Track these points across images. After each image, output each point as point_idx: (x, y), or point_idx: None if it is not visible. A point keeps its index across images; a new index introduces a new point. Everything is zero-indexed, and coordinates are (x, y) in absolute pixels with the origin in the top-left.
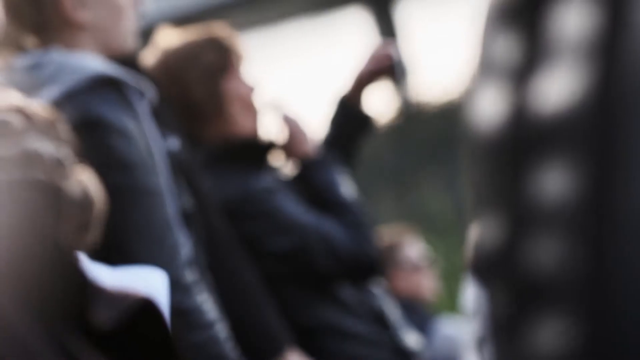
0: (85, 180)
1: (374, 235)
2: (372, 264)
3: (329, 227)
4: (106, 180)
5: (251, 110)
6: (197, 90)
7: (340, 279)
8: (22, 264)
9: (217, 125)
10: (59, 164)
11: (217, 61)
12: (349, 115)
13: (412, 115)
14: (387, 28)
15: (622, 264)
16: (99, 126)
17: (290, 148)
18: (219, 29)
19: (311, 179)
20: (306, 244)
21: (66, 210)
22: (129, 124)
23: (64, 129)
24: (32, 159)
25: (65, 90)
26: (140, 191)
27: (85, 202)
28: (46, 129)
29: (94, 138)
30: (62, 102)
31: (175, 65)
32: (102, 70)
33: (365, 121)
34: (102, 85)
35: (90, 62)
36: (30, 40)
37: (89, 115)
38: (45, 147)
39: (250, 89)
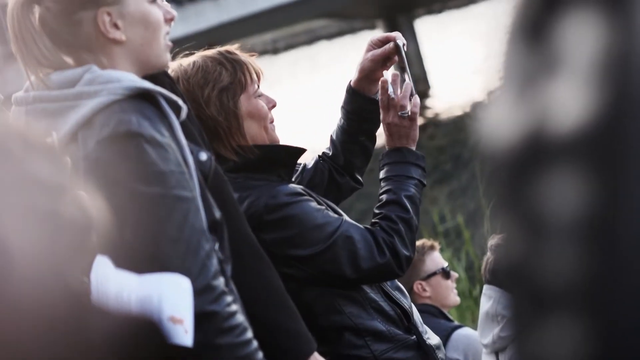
0: (84, 202)
1: (411, 239)
2: (394, 268)
3: (352, 231)
4: (141, 189)
5: (268, 127)
6: (212, 109)
7: (362, 281)
8: (23, 291)
9: (233, 141)
10: (58, 188)
11: (232, 80)
12: (356, 101)
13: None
14: (408, 45)
15: (628, 274)
16: (135, 137)
17: (395, 128)
18: (235, 48)
19: (390, 166)
20: (329, 248)
21: (65, 235)
22: (164, 135)
23: (63, 151)
24: (29, 185)
25: (103, 103)
26: (175, 200)
27: (84, 225)
28: (45, 153)
29: (130, 148)
30: (99, 115)
31: (190, 84)
32: (138, 83)
33: (373, 105)
34: (138, 97)
35: (126, 77)
36: (67, 58)
37: (126, 126)
38: (45, 171)
39: (267, 107)
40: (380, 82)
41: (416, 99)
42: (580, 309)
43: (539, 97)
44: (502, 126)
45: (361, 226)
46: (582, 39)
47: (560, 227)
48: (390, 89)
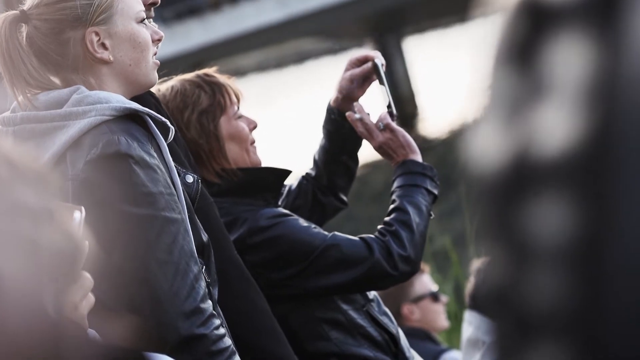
0: (73, 228)
1: (411, 239)
2: (386, 267)
3: (340, 239)
4: (130, 211)
5: (249, 149)
6: (193, 132)
7: (356, 286)
8: (6, 322)
9: (215, 164)
10: (44, 215)
11: (211, 103)
12: (336, 120)
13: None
14: (396, 64)
15: (615, 300)
16: (124, 158)
17: (385, 147)
18: (213, 71)
19: (397, 180)
20: (316, 260)
21: (48, 263)
22: (153, 156)
23: (52, 177)
24: (15, 211)
25: (91, 123)
26: (165, 222)
27: (71, 252)
28: (33, 178)
29: (120, 169)
30: (87, 135)
31: (170, 109)
32: (126, 104)
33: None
34: (127, 118)
35: (115, 97)
36: (54, 78)
37: (115, 147)
38: (31, 197)
39: (247, 127)
40: (348, 119)
41: (383, 112)
42: (566, 334)
43: (526, 121)
44: (488, 150)
45: (353, 237)
46: (570, 62)
47: (547, 252)
48: (358, 115)
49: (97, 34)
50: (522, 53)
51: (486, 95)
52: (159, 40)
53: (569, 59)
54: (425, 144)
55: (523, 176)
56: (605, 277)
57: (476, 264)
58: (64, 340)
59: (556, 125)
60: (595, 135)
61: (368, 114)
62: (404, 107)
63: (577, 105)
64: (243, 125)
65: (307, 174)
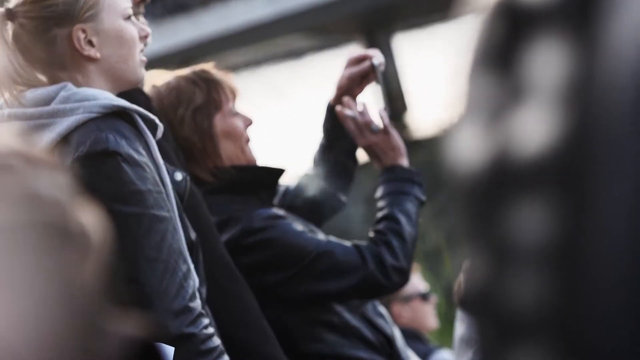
0: (87, 217)
1: (403, 249)
2: (379, 278)
3: (333, 246)
4: (119, 209)
5: (244, 147)
6: (187, 129)
7: (349, 295)
8: (30, 308)
9: (209, 162)
10: (59, 204)
11: (206, 100)
12: (336, 119)
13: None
14: (386, 61)
15: (595, 300)
16: (112, 155)
17: (375, 147)
18: (209, 67)
19: (385, 185)
20: (309, 266)
21: (68, 250)
22: (141, 153)
23: (63, 169)
24: (33, 200)
25: (79, 120)
26: (153, 220)
27: (86, 240)
28: (46, 170)
29: (108, 167)
30: (75, 133)
31: (164, 105)
32: (114, 101)
33: None
34: (115, 115)
35: (102, 95)
36: (41, 76)
37: (103, 144)
38: (46, 187)
39: (243, 125)
40: (338, 114)
41: (382, 111)
42: (548, 334)
43: (505, 123)
44: (468, 153)
45: (346, 243)
46: (547, 65)
47: (526, 253)
48: (350, 112)
49: (84, 31)
50: (500, 56)
51: (465, 98)
52: (146, 36)
53: (547, 62)
54: (415, 142)
55: (503, 178)
56: (585, 277)
57: (466, 264)
58: (89, 327)
59: (535, 128)
60: (573, 137)
61: (365, 106)
62: (394, 104)
63: (555, 107)
64: (238, 122)
65: (306, 174)
